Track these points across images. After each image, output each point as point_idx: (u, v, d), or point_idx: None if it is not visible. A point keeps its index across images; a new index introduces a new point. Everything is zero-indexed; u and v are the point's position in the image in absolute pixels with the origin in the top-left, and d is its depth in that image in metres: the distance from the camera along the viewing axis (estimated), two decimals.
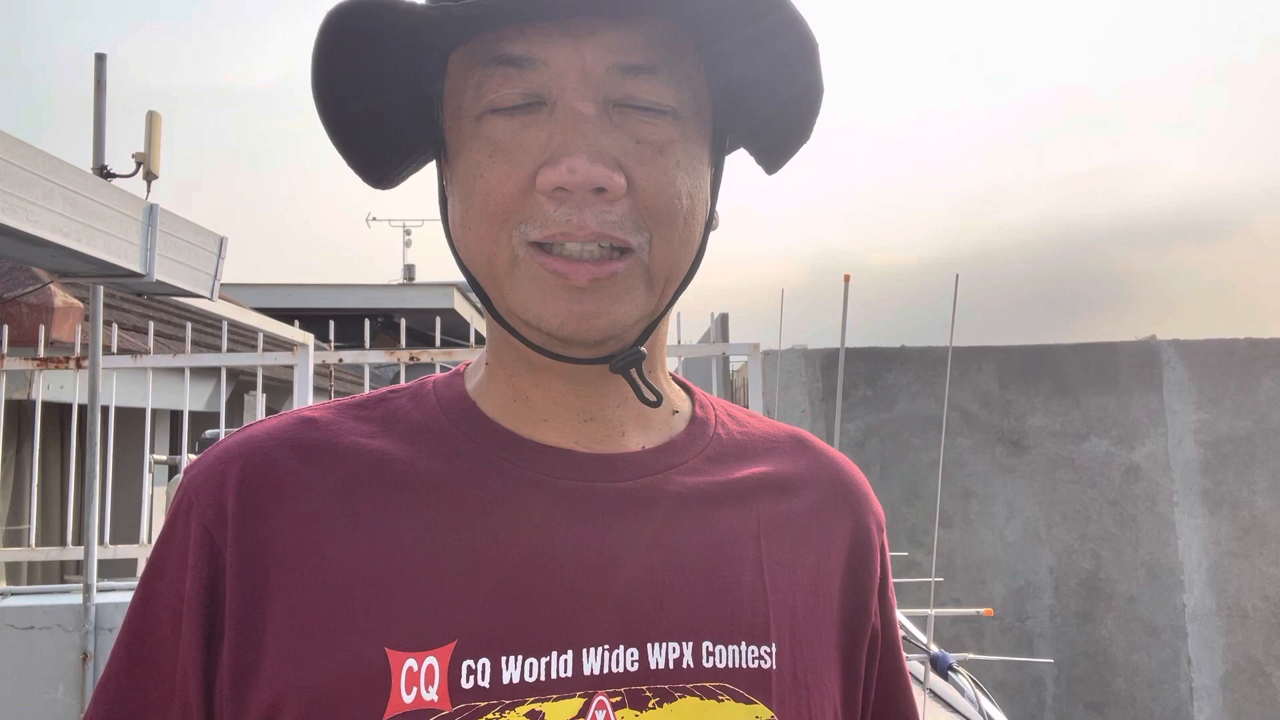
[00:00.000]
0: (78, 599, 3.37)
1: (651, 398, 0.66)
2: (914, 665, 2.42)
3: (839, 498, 0.74)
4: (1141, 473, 4.98)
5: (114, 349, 4.89)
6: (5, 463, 5.16)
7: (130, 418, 4.65)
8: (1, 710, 3.29)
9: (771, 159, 0.71)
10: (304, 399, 4.12)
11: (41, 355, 4.03)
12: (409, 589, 0.60)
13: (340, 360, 4.34)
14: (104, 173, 3.24)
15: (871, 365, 4.99)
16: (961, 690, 2.70)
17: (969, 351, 4.99)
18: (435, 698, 0.58)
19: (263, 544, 0.62)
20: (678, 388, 0.76)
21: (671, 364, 0.96)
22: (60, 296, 4.72)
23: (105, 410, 3.83)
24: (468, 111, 0.63)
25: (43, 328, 4.21)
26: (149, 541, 4.30)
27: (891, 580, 0.78)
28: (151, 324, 4.24)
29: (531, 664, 0.59)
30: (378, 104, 0.66)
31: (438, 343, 4.50)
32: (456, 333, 6.67)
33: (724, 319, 5.12)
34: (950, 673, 2.72)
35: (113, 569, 4.16)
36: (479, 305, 0.68)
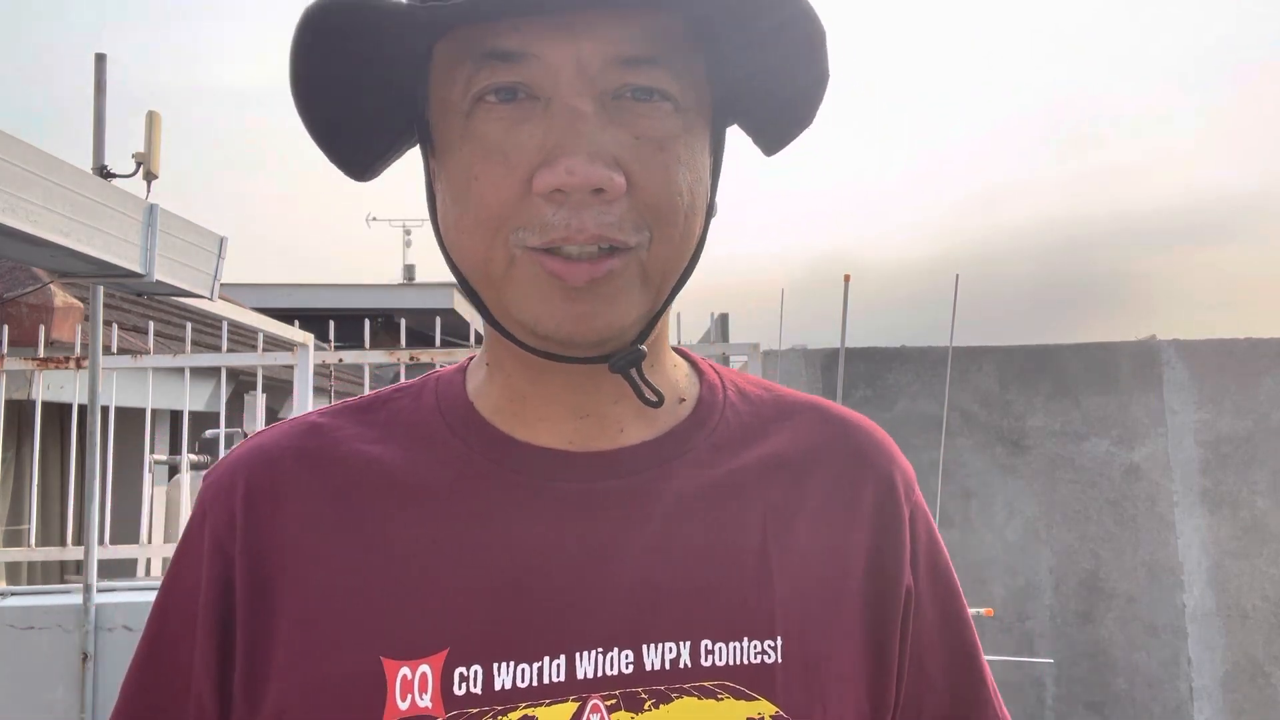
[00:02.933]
0: (78, 599, 3.37)
1: (652, 398, 0.65)
2: None
3: (858, 468, 0.70)
4: (1141, 473, 4.98)
5: (114, 349, 4.89)
6: (5, 463, 5.15)
7: (130, 418, 4.64)
8: (1, 710, 3.29)
9: (771, 142, 0.69)
10: (304, 399, 4.12)
11: (41, 355, 4.03)
12: (402, 598, 0.61)
13: (340, 360, 4.33)
14: (104, 173, 3.24)
15: (871, 365, 4.99)
16: None
17: (969, 351, 4.99)
18: (429, 704, 0.59)
19: (268, 552, 0.63)
20: (686, 370, 0.74)
21: None
22: (60, 296, 4.72)
23: (105, 410, 3.83)
24: (456, 108, 0.60)
25: (43, 328, 4.21)
26: (149, 541, 4.30)
27: (936, 546, 0.72)
28: (151, 324, 4.24)
29: (524, 670, 0.60)
30: (356, 95, 0.64)
31: (438, 343, 4.50)
32: (456, 333, 6.67)
33: (724, 319, 5.12)
34: None
35: (113, 569, 4.16)
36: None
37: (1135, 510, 4.97)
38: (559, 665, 0.60)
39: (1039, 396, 5.05)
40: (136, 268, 2.81)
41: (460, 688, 0.59)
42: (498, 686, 0.59)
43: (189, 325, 4.29)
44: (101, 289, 3.29)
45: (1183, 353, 5.06)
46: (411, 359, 4.19)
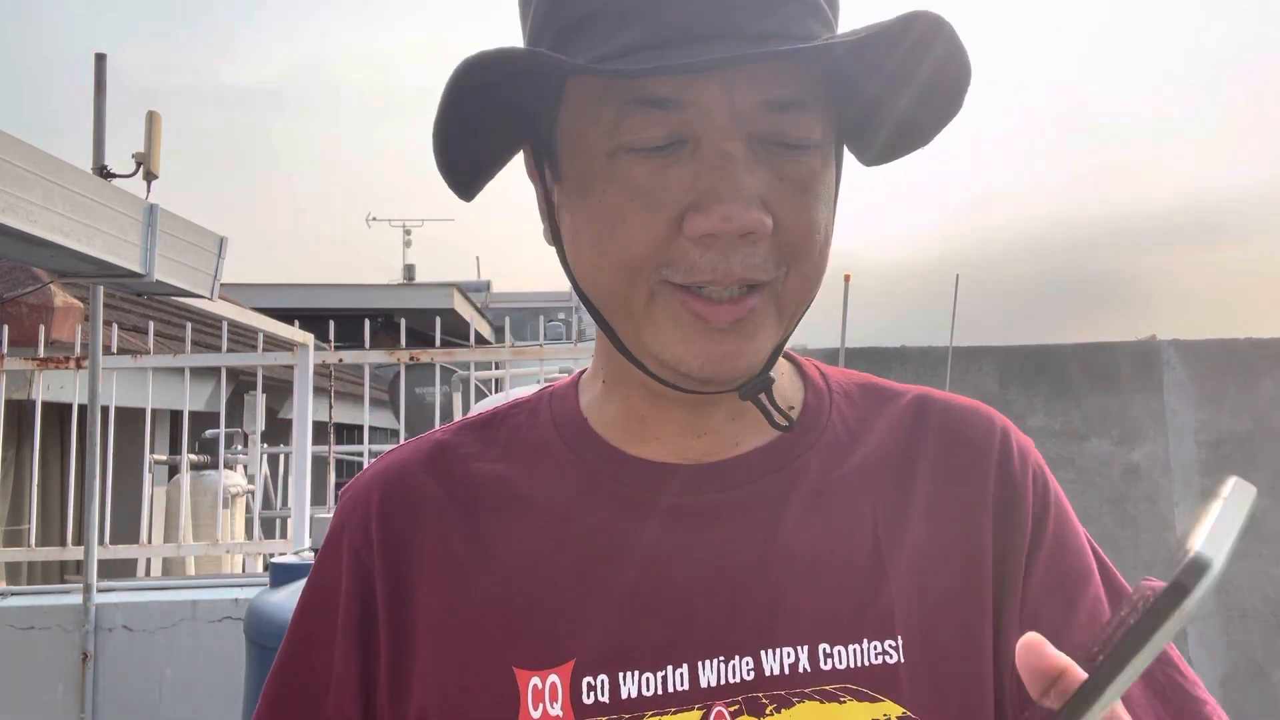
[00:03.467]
0: (78, 599, 3.37)
1: (783, 422, 0.65)
2: None
3: (968, 459, 0.69)
4: (1141, 473, 4.98)
5: (114, 349, 4.90)
6: (5, 463, 5.16)
7: (130, 418, 4.64)
8: (1, 710, 3.29)
9: (874, 158, 0.69)
10: (304, 399, 4.12)
11: (41, 355, 4.03)
12: (529, 610, 0.64)
13: (340, 360, 4.34)
14: (104, 173, 3.24)
15: (871, 365, 4.99)
16: None
17: (969, 351, 4.99)
18: (560, 713, 0.61)
19: (404, 565, 0.67)
20: (791, 374, 0.74)
21: None
22: (60, 296, 4.73)
23: (105, 410, 3.83)
24: (597, 147, 0.60)
25: (43, 328, 4.22)
26: (149, 541, 4.30)
27: (1064, 512, 0.70)
28: (151, 324, 4.24)
29: (648, 679, 0.62)
30: (482, 122, 0.63)
31: (438, 343, 4.50)
32: (456, 333, 6.66)
33: None
34: None
35: (113, 569, 4.16)
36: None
37: (1135, 510, 4.98)
38: (682, 674, 0.62)
39: (1039, 396, 5.05)
40: (136, 268, 2.81)
41: (588, 697, 0.61)
42: (624, 695, 0.61)
43: (189, 325, 4.29)
44: (101, 289, 3.29)
45: (1183, 353, 5.06)
46: (411, 359, 4.19)
